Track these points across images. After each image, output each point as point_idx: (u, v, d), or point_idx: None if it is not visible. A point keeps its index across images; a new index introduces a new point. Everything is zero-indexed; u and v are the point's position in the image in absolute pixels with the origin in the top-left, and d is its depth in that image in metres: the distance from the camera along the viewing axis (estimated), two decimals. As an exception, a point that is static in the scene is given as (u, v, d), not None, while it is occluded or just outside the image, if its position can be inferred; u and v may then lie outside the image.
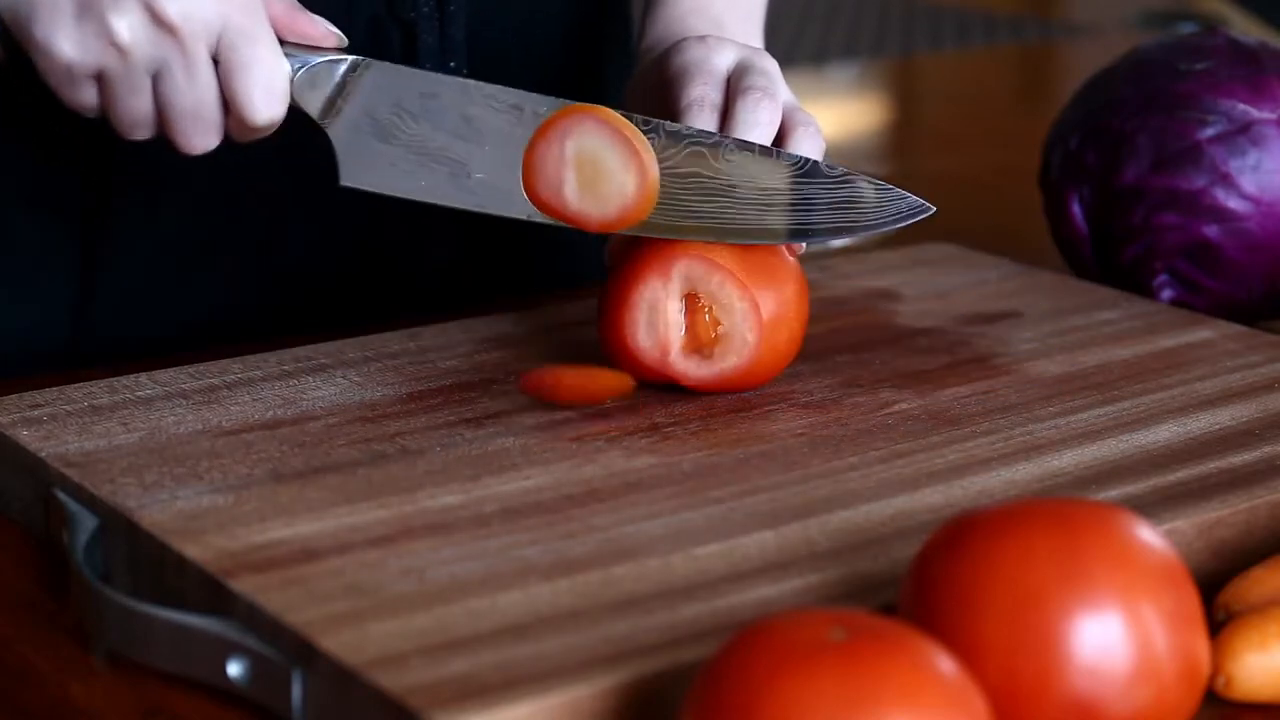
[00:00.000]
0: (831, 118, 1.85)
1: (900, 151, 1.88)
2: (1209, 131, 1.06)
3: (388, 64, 0.88)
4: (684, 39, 0.95)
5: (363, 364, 0.94)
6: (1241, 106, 1.06)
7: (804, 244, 0.90)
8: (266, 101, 0.84)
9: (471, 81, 0.88)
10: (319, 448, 0.84)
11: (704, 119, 0.90)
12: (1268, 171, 1.06)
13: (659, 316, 0.88)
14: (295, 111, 0.87)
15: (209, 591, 0.71)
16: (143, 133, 0.86)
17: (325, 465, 0.82)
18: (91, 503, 0.78)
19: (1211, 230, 1.06)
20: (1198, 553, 0.76)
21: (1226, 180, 1.06)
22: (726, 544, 0.75)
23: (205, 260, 1.05)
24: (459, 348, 0.97)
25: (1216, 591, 0.72)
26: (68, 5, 0.82)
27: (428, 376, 0.93)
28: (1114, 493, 0.79)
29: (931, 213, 0.89)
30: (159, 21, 0.82)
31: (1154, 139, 1.07)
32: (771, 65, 0.93)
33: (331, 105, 0.88)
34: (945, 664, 0.58)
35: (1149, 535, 0.63)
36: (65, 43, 0.82)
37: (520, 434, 0.86)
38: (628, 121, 0.88)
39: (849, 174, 0.88)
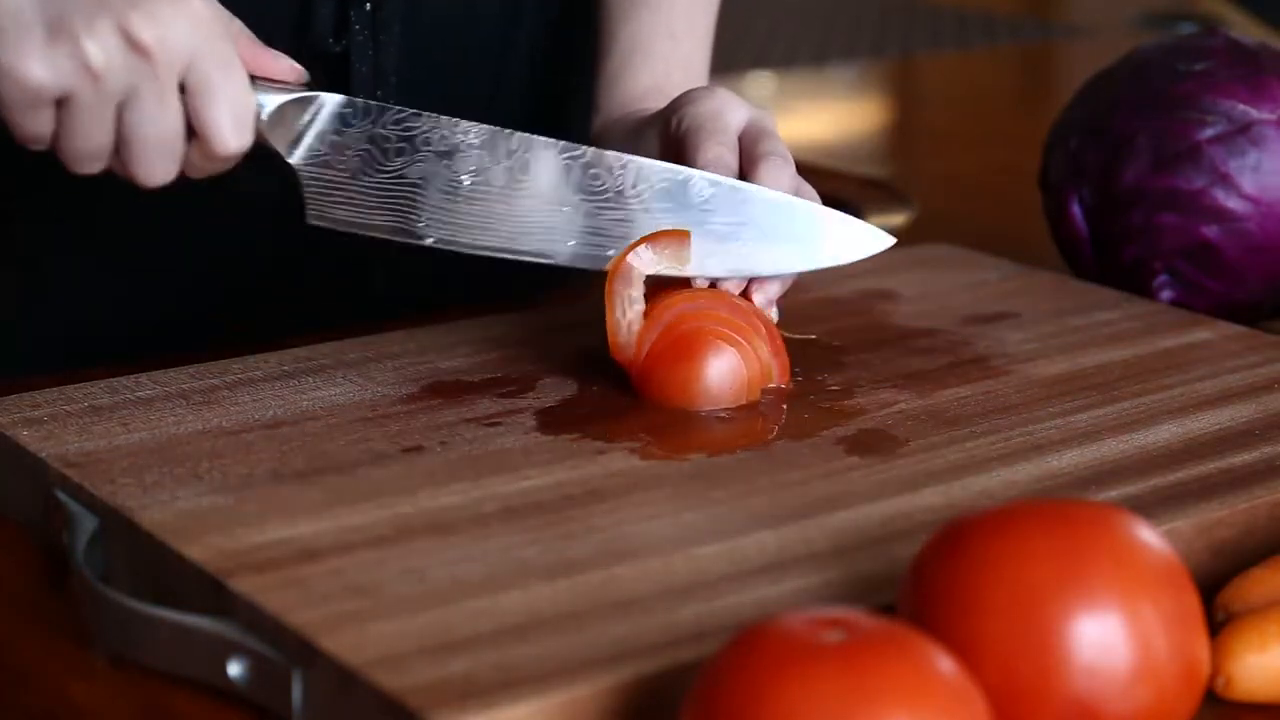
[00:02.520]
0: (831, 118, 1.85)
1: (900, 152, 1.87)
2: (1209, 132, 1.06)
3: (357, 99, 0.88)
4: (690, 90, 0.95)
5: (363, 364, 0.94)
6: (1241, 107, 1.06)
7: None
8: (236, 129, 0.83)
9: (444, 117, 0.88)
10: (319, 448, 0.84)
11: None
12: (1268, 172, 1.06)
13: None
14: (259, 148, 0.86)
15: (209, 591, 0.71)
16: (96, 165, 0.83)
17: (325, 465, 0.82)
18: (91, 503, 0.78)
19: (1211, 231, 1.06)
20: (1198, 553, 0.76)
21: (1226, 180, 1.06)
22: (726, 544, 0.75)
23: (204, 259, 1.05)
24: (459, 348, 0.97)
25: (1216, 591, 0.72)
26: (38, 27, 0.79)
27: (428, 376, 0.93)
28: (1114, 493, 0.79)
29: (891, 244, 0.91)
30: (134, 45, 0.79)
31: (1154, 139, 1.07)
32: (774, 123, 0.94)
33: (298, 141, 0.87)
34: (945, 664, 0.58)
35: (1149, 535, 0.63)
36: (35, 65, 0.79)
37: (520, 434, 0.86)
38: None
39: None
